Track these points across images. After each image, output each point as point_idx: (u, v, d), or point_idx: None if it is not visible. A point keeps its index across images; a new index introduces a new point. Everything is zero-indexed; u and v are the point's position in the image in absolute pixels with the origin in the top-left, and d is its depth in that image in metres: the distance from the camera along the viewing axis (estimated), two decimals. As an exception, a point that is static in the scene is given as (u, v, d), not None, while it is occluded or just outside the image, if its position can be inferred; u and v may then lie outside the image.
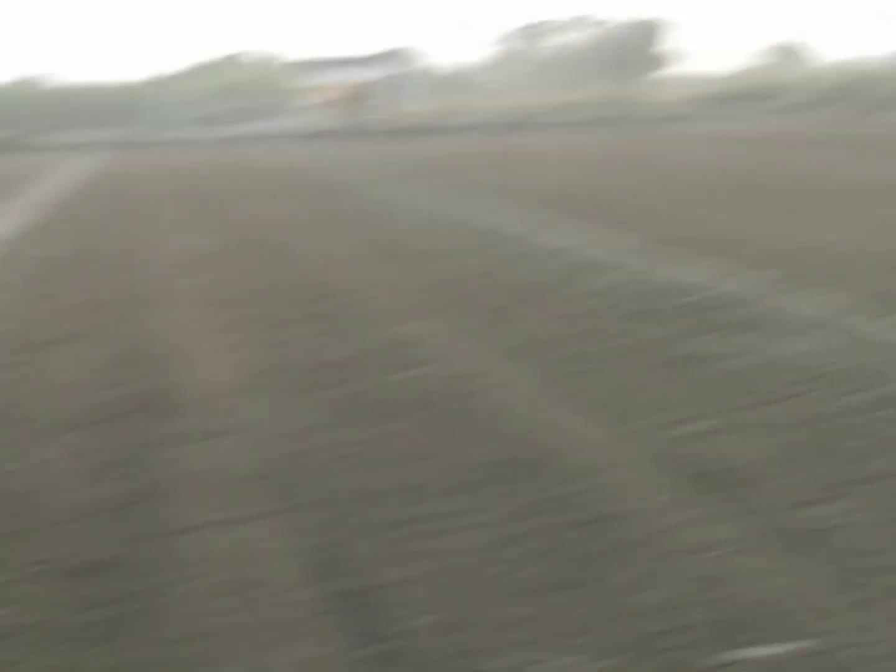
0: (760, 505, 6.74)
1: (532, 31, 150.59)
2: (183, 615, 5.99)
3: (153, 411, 9.71)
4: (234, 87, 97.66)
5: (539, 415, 9.17)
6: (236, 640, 5.79)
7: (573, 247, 18.13)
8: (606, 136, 62.53)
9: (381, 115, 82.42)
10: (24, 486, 7.93)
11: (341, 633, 5.67)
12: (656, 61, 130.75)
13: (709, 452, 7.64)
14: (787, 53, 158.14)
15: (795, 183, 28.26)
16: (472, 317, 13.02)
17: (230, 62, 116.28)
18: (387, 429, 8.81)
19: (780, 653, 5.16)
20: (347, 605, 6.06)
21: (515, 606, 5.68)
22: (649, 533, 6.48)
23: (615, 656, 5.29)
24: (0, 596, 6.25)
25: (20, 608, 6.15)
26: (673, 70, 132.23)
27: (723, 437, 7.87)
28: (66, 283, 18.11)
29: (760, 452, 7.52)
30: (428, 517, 6.87)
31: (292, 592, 5.92)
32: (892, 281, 13.04)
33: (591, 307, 11.98)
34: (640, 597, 5.72)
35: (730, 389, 9.18)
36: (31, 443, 8.83)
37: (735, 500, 6.89)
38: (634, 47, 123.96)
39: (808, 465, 7.54)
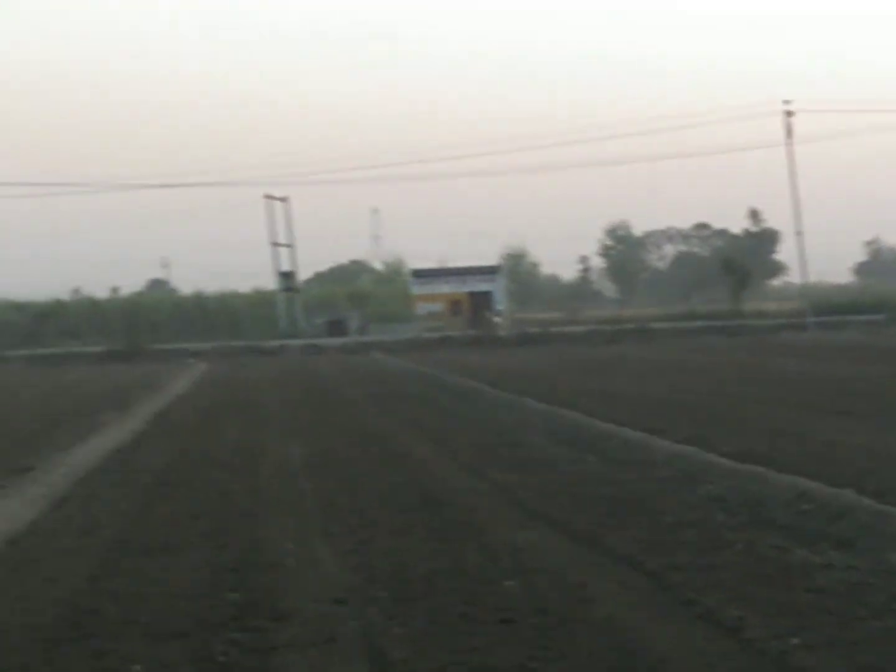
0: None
1: (648, 239, 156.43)
2: None
3: (260, 618, 10.01)
4: (359, 293, 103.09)
5: (649, 625, 9.01)
6: None
7: (686, 454, 18.20)
8: (718, 344, 62.80)
9: (495, 325, 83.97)
10: None
11: None
12: (769, 269, 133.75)
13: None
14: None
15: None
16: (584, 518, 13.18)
17: (356, 268, 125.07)
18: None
19: None
20: None
21: None
22: None
23: None
24: None
25: None
26: (782, 278, 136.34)
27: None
28: (180, 489, 18.50)
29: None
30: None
31: None
32: None
33: (704, 514, 11.88)
34: None
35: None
36: (147, 649, 8.87)
37: None
38: (749, 256, 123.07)
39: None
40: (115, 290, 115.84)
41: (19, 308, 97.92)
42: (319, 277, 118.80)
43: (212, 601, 10.41)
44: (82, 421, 31.98)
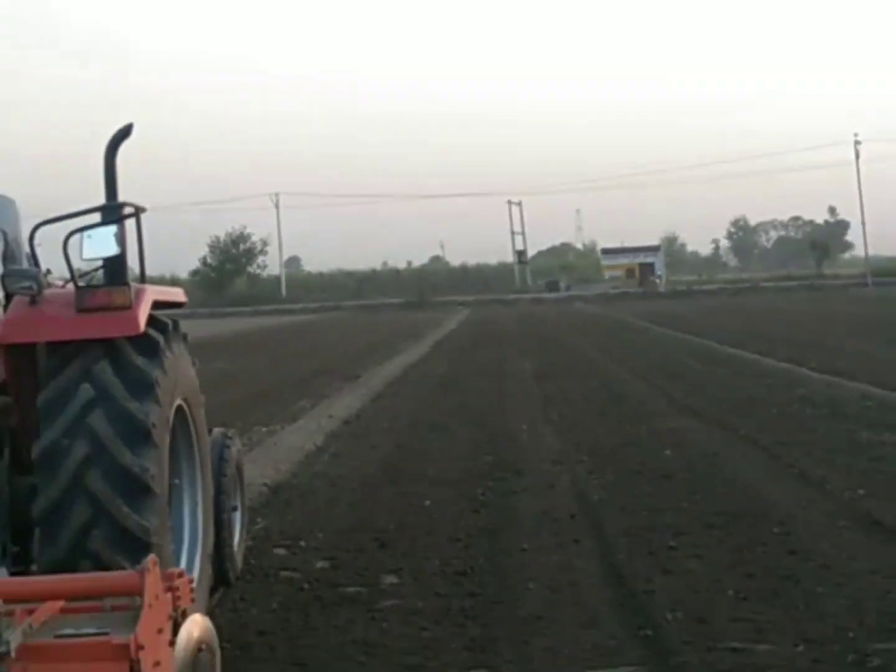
0: None
1: (760, 227, 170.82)
2: (520, 570, 6.80)
3: (500, 472, 10.59)
4: (567, 265, 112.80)
5: (760, 479, 9.70)
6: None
7: (785, 368, 19.26)
8: (806, 297, 63.63)
9: (655, 284, 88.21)
10: (430, 517, 8.79)
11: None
12: (842, 247, 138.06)
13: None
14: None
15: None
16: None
17: (565, 248, 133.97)
18: (654, 492, 9.40)
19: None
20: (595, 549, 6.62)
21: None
22: (828, 560, 6.75)
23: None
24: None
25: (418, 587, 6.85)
26: (851, 253, 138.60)
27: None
28: (453, 387, 19.31)
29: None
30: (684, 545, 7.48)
31: (594, 590, 6.41)
32: None
33: (798, 409, 12.67)
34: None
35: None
36: (424, 491, 9.71)
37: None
38: (828, 238, 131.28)
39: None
40: (409, 262, 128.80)
41: (348, 275, 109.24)
42: (541, 254, 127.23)
43: (473, 462, 11.53)
44: (389, 347, 34.07)
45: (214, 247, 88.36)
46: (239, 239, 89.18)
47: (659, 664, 5.21)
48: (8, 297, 5.48)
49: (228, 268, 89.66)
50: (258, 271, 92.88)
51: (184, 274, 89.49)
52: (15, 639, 3.67)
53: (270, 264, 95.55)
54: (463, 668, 5.37)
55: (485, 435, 13.74)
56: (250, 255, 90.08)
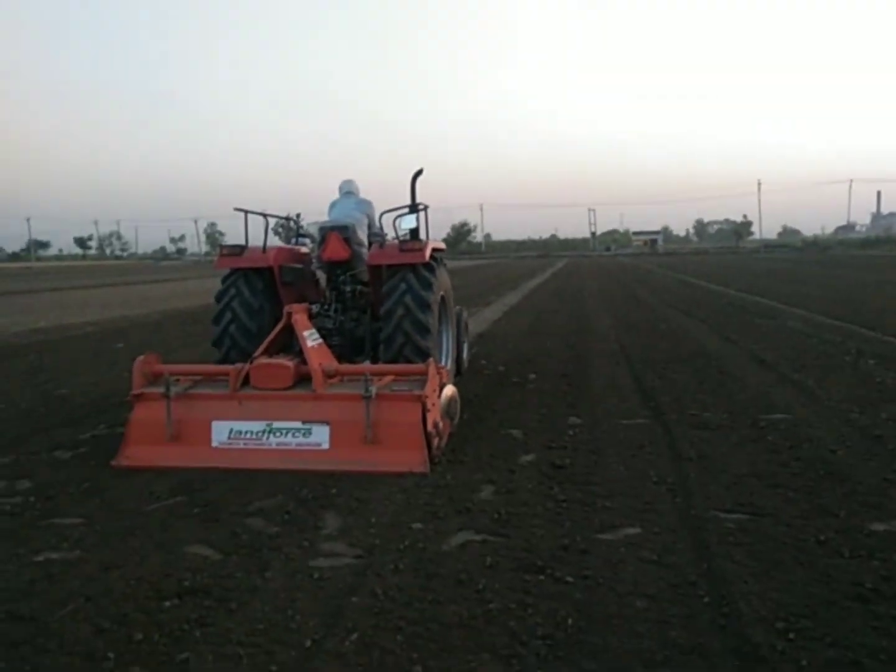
0: None
1: (709, 224, 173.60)
2: (595, 379, 7.80)
3: (583, 333, 12.20)
4: (613, 240, 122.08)
5: (704, 336, 10.68)
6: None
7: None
8: (730, 258, 59.60)
9: (657, 250, 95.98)
10: (549, 350, 10.15)
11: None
12: (748, 234, 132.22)
13: None
14: None
15: None
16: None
17: (609, 233, 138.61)
18: (656, 344, 10.51)
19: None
20: (641, 379, 7.59)
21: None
22: (740, 376, 7.74)
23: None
24: (532, 383, 8.12)
25: (541, 380, 8.10)
26: (753, 237, 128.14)
27: None
28: (559, 295, 22.25)
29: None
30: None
31: (629, 393, 7.53)
32: None
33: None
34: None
35: None
36: (546, 339, 11.24)
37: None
38: (741, 229, 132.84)
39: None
40: (539, 236, 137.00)
41: (516, 242, 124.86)
42: (602, 234, 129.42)
43: (569, 327, 12.87)
44: (532, 273, 36.48)
45: (453, 228, 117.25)
46: (463, 224, 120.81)
47: (657, 419, 6.01)
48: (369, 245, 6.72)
49: (459, 237, 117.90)
50: (472, 239, 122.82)
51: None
52: (374, 390, 4.87)
53: (477, 236, 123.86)
54: (563, 415, 6.18)
55: (575, 315, 14.98)
56: (468, 232, 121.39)
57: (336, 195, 7.38)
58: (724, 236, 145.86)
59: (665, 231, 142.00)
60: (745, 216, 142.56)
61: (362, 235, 6.84)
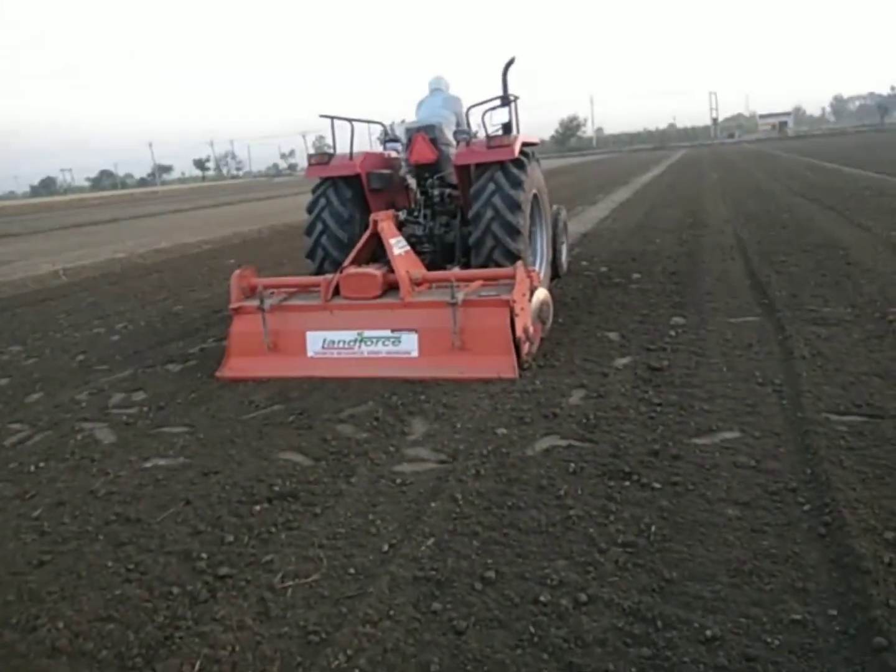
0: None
1: (849, 99, 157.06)
2: (705, 276, 7.48)
3: (696, 227, 11.68)
4: (737, 126, 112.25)
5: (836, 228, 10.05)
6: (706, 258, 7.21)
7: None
8: (873, 137, 52.75)
9: (787, 134, 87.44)
10: (658, 247, 9.82)
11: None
12: None
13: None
14: None
15: None
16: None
17: (733, 118, 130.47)
18: (776, 235, 10.06)
19: None
20: (742, 264, 7.35)
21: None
22: (869, 266, 7.36)
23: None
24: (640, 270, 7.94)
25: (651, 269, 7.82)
26: None
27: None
28: (673, 188, 21.12)
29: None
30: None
31: (742, 289, 7.37)
32: None
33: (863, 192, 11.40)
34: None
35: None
36: (656, 236, 10.94)
37: None
38: (888, 103, 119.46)
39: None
40: (657, 127, 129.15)
41: (629, 134, 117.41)
42: (725, 120, 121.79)
43: (682, 221, 12.36)
44: (646, 167, 35.48)
45: (561, 123, 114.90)
46: (572, 119, 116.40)
47: (770, 316, 5.70)
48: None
49: (567, 133, 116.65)
50: (581, 134, 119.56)
51: (547, 136, 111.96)
52: (460, 296, 4.78)
53: (588, 131, 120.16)
54: (666, 316, 5.95)
55: (689, 209, 14.13)
56: (577, 127, 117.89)
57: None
58: (868, 113, 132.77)
59: (797, 112, 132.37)
60: (892, 87, 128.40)
61: (450, 135, 6.57)
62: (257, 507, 3.16)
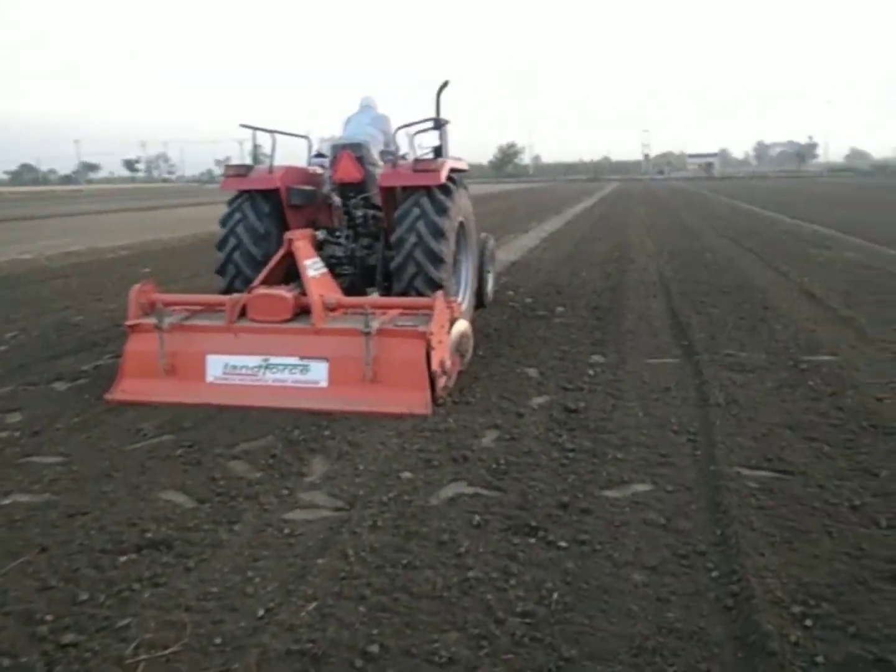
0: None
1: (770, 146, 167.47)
2: (627, 313, 7.41)
3: (622, 262, 11.59)
4: (667, 163, 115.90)
5: (755, 270, 10.15)
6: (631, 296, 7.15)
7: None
8: (792, 182, 57.91)
9: (713, 174, 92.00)
10: (583, 280, 9.62)
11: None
12: (812, 157, 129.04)
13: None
14: None
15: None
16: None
17: (664, 156, 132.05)
18: (698, 275, 10.07)
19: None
20: (664, 294, 7.24)
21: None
22: (784, 312, 7.29)
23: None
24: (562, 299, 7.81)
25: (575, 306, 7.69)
26: (817, 160, 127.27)
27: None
28: (605, 219, 21.25)
29: None
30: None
31: (662, 329, 7.24)
32: None
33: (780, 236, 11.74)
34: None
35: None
36: (582, 268, 10.83)
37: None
38: (805, 151, 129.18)
39: None
40: (591, 158, 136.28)
41: (564, 165, 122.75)
42: (656, 156, 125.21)
43: (609, 255, 12.39)
44: (577, 198, 36.37)
45: (500, 149, 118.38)
46: (510, 146, 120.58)
47: (689, 358, 5.65)
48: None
49: (505, 159, 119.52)
50: (519, 161, 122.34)
51: (485, 161, 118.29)
52: (375, 325, 4.56)
53: (525, 158, 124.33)
54: (586, 353, 5.90)
55: (617, 242, 14.26)
56: (515, 154, 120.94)
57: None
58: (787, 159, 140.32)
59: (723, 154, 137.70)
60: (810, 137, 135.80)
61: (377, 155, 6.36)
62: (122, 558, 2.79)
